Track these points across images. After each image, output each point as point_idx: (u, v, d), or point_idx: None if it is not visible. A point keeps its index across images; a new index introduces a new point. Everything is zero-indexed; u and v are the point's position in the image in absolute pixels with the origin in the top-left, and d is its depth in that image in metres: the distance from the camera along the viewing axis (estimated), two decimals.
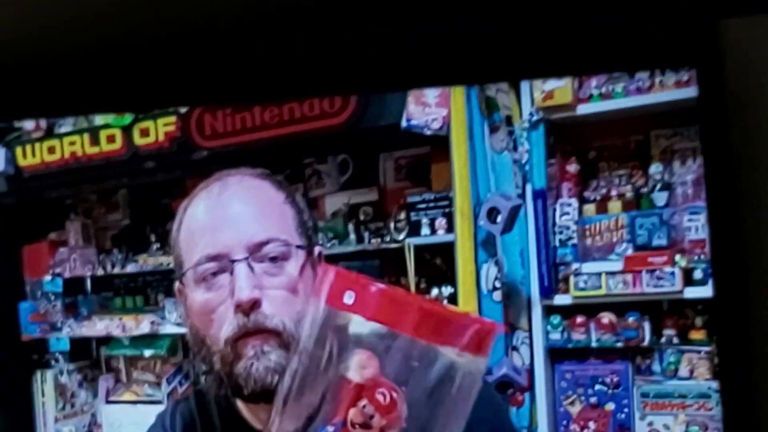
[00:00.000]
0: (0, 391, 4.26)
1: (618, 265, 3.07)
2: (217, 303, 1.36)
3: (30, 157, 4.00)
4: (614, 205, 3.22)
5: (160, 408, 3.98)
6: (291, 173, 3.83)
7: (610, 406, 3.19)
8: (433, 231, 3.33)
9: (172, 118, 3.63)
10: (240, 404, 1.46)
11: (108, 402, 4.41)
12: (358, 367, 1.06)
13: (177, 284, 1.45)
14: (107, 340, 4.40)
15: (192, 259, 1.38)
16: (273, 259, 1.36)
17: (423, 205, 3.37)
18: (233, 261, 1.34)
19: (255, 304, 1.33)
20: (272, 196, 1.42)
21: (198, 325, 1.40)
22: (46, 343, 4.41)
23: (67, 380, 4.44)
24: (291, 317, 1.34)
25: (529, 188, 3.14)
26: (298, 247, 1.39)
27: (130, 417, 4.25)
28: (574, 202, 3.21)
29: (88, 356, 4.55)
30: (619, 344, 3.12)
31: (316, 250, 1.47)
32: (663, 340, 3.14)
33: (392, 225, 3.55)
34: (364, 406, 1.07)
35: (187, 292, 1.40)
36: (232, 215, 1.38)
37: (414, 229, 3.38)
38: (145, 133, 3.71)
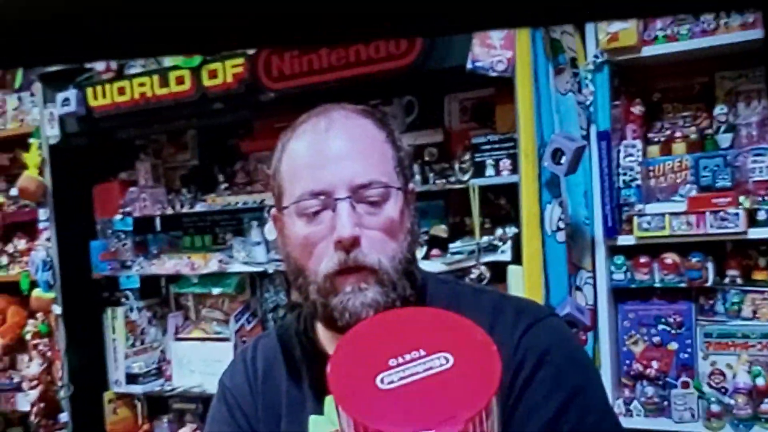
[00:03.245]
0: (72, 329, 4.43)
1: (682, 206, 3.08)
2: (318, 238, 1.46)
3: (101, 98, 4.06)
4: (678, 147, 3.23)
5: (228, 345, 4.17)
6: None
7: (673, 346, 3.23)
8: (498, 172, 3.36)
9: (240, 60, 3.65)
10: (322, 336, 1.58)
11: (177, 339, 4.51)
12: None
13: (273, 211, 1.56)
14: (176, 278, 4.51)
15: (294, 192, 1.47)
16: (373, 200, 1.45)
17: (488, 146, 3.39)
18: (336, 199, 1.43)
19: (355, 242, 1.43)
20: (375, 136, 1.50)
21: (296, 255, 1.50)
22: (116, 281, 4.53)
23: (137, 317, 4.56)
24: (387, 255, 1.46)
25: (593, 130, 3.16)
26: (398, 189, 1.48)
27: (198, 354, 4.35)
28: (639, 143, 3.21)
29: (157, 294, 4.66)
30: (683, 284, 3.15)
31: (411, 185, 1.57)
32: (726, 280, 3.17)
33: (457, 166, 3.57)
34: None
35: (286, 222, 1.50)
36: (336, 153, 1.46)
37: (479, 170, 3.41)
38: (213, 74, 3.74)
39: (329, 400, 1.51)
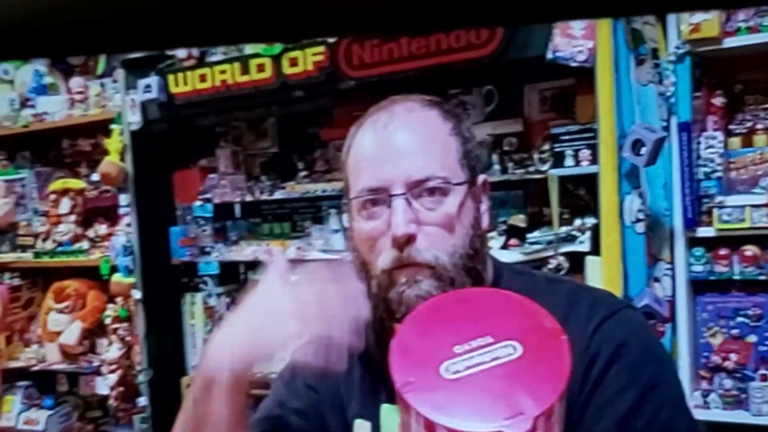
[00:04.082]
0: (151, 314, 4.56)
1: (762, 198, 3.08)
2: (377, 233, 1.49)
3: (182, 85, 4.13)
4: (760, 139, 3.24)
5: None
6: None
7: (752, 338, 3.23)
8: (577, 162, 3.36)
9: (321, 48, 3.69)
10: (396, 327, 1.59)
11: None
12: None
13: (347, 203, 1.58)
14: (255, 265, 4.51)
15: (356, 187, 1.51)
16: (432, 195, 1.47)
17: (567, 137, 3.39)
18: (392, 195, 1.46)
19: (410, 239, 1.46)
20: (438, 128, 1.51)
21: (360, 249, 1.54)
22: (195, 267, 4.60)
23: (215, 303, 4.63)
24: (445, 251, 1.48)
25: (674, 121, 3.16)
26: (458, 184, 1.49)
27: None
28: (719, 135, 3.22)
29: (236, 280, 4.70)
30: (762, 277, 3.16)
31: (480, 179, 1.57)
32: None
33: (536, 156, 3.59)
34: None
35: (353, 215, 1.54)
36: (394, 149, 1.48)
37: (558, 160, 3.42)
38: (294, 62, 3.78)
39: None
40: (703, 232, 3.21)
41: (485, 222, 1.59)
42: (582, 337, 1.43)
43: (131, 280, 4.55)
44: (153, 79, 4.24)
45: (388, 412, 1.57)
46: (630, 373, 1.41)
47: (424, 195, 1.47)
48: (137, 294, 4.53)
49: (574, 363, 1.22)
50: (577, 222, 3.44)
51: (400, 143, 1.49)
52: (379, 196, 1.49)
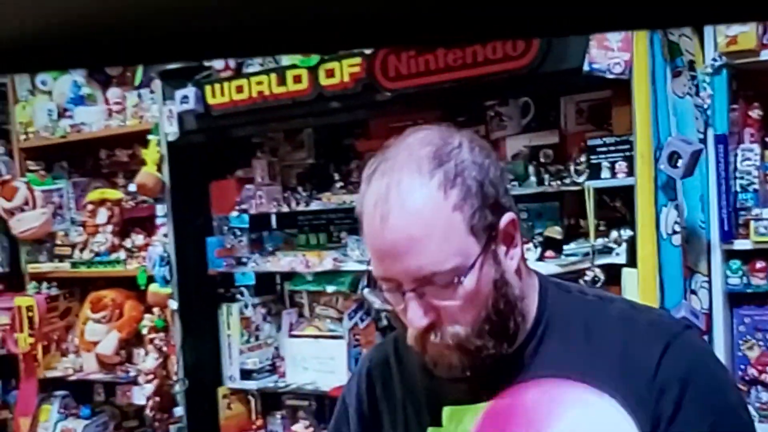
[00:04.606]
0: (188, 324, 4.59)
1: None
2: (400, 310, 1.50)
3: (219, 96, 4.16)
4: None
5: (341, 343, 4.26)
6: (472, 115, 3.92)
7: None
8: (614, 174, 3.35)
9: (358, 60, 3.71)
10: None
11: (291, 336, 4.57)
12: None
13: None
14: (291, 276, 4.59)
15: (371, 257, 1.50)
16: (444, 285, 1.44)
17: (603, 149, 3.38)
18: (403, 292, 1.45)
19: (429, 327, 1.47)
20: (438, 210, 1.42)
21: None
22: (231, 278, 4.63)
23: (251, 314, 4.66)
24: (468, 325, 1.47)
25: (710, 133, 3.16)
26: (471, 264, 1.43)
27: (312, 351, 4.41)
28: (756, 147, 3.22)
29: (272, 291, 4.75)
30: None
31: (505, 219, 1.49)
32: None
33: (572, 168, 3.58)
34: None
35: None
36: (394, 248, 1.43)
37: (594, 172, 3.40)
38: (330, 73, 3.80)
39: (447, 412, 1.57)
40: (739, 244, 3.21)
41: (513, 265, 1.53)
42: (646, 364, 1.44)
43: (168, 290, 4.58)
44: (190, 90, 4.27)
45: None
46: (701, 406, 1.42)
47: (436, 285, 1.44)
48: (174, 304, 4.57)
49: (638, 390, 1.32)
50: (614, 234, 3.43)
51: (398, 242, 1.43)
52: (392, 285, 1.48)
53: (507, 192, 1.51)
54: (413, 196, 1.42)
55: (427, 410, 1.61)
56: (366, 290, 1.60)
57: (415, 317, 1.45)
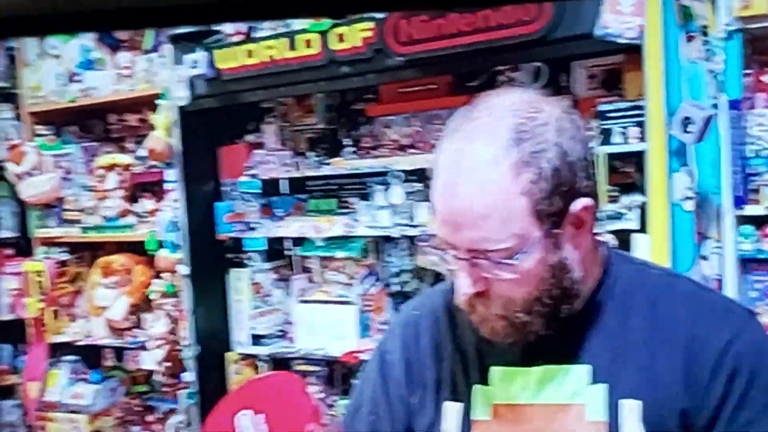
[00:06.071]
0: (198, 289, 4.62)
1: None
2: (453, 272, 1.53)
3: (229, 61, 4.19)
4: None
5: (352, 308, 4.27)
6: (484, 82, 3.92)
7: None
8: (625, 140, 3.37)
9: (369, 24, 3.73)
10: None
11: (301, 301, 4.59)
12: None
13: None
14: (301, 241, 4.59)
15: (435, 217, 1.51)
16: (499, 258, 1.43)
17: (615, 114, 3.40)
18: (458, 258, 1.47)
19: (477, 294, 1.49)
20: (505, 192, 1.40)
21: None
22: (241, 243, 4.66)
23: (261, 279, 4.69)
24: (518, 302, 1.48)
25: (723, 98, 3.17)
26: (525, 248, 1.43)
27: (322, 316, 4.44)
28: None
29: (282, 256, 4.75)
30: None
31: (578, 205, 1.45)
32: None
33: None
34: None
35: None
36: (456, 215, 1.43)
37: (606, 138, 3.42)
38: (341, 38, 3.83)
39: (496, 372, 1.59)
40: (751, 210, 3.24)
41: (579, 251, 1.51)
42: (713, 346, 1.46)
43: (178, 255, 4.63)
44: (200, 55, 4.29)
45: (481, 393, 1.61)
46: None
47: (490, 260, 1.45)
48: (184, 269, 4.60)
49: (699, 369, 1.38)
50: (625, 199, 3.45)
51: (461, 211, 1.43)
52: (449, 247, 1.49)
53: (589, 176, 1.48)
54: (483, 171, 1.40)
55: (476, 367, 1.62)
56: (428, 244, 1.64)
57: (464, 284, 1.48)
